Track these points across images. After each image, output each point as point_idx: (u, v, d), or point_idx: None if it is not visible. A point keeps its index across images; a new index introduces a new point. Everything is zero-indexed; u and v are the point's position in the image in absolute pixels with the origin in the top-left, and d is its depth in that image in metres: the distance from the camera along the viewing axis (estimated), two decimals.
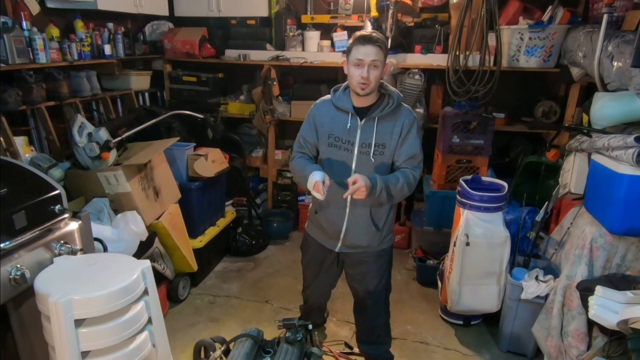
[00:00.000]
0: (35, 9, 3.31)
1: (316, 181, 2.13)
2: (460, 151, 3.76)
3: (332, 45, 4.33)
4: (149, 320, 1.91)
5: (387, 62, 2.22)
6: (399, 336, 3.14)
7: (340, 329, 3.22)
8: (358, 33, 2.17)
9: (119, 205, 2.93)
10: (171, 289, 3.38)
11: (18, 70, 3.04)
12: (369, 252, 2.45)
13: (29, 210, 1.93)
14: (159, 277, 3.20)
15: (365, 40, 2.10)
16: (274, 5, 4.41)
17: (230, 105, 4.67)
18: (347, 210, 2.35)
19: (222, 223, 4.05)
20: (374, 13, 4.01)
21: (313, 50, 4.37)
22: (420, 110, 4.00)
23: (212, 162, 3.67)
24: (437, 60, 4.00)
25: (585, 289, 2.33)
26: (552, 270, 2.88)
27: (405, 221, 4.38)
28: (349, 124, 2.25)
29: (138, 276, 1.83)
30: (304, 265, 2.74)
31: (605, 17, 2.65)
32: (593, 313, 2.12)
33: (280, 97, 4.49)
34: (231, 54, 4.55)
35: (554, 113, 3.94)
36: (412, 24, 4.17)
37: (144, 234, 2.86)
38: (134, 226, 2.78)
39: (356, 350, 2.86)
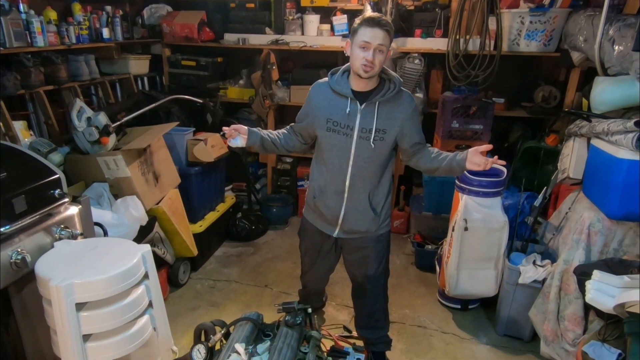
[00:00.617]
0: None
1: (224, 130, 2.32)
2: (459, 136, 3.76)
3: (332, 29, 4.28)
4: (150, 304, 1.93)
5: (391, 48, 2.19)
6: (397, 320, 3.16)
7: (339, 313, 3.24)
8: (366, 14, 2.12)
9: (118, 190, 2.93)
10: (171, 273, 3.40)
11: (16, 54, 3.01)
12: (367, 237, 2.44)
13: (28, 194, 1.93)
14: (160, 262, 3.21)
15: (374, 22, 2.06)
16: None
17: (229, 89, 4.64)
18: (346, 195, 2.34)
19: (221, 208, 4.06)
20: None
21: (312, 34, 4.33)
22: (419, 94, 3.98)
23: (211, 147, 3.66)
24: (437, 44, 3.96)
25: (583, 274, 2.35)
26: (550, 255, 2.89)
27: (404, 206, 4.38)
28: (348, 109, 2.21)
29: (138, 260, 1.84)
30: (302, 251, 2.74)
31: (606, 0, 2.62)
32: (590, 297, 2.14)
33: (279, 82, 4.47)
34: (230, 38, 4.50)
35: (553, 98, 3.92)
36: (412, 8, 4.12)
37: (144, 219, 2.86)
38: (134, 211, 2.78)
39: (354, 333, 2.88)
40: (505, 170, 2.98)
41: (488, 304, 3.24)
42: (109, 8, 3.93)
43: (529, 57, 3.82)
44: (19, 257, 1.81)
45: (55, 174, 2.11)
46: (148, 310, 1.92)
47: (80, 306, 1.67)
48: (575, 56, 3.29)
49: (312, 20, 4.31)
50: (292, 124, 2.53)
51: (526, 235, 3.09)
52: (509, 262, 2.89)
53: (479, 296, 3.14)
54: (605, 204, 2.51)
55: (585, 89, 2.95)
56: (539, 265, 2.78)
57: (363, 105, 2.21)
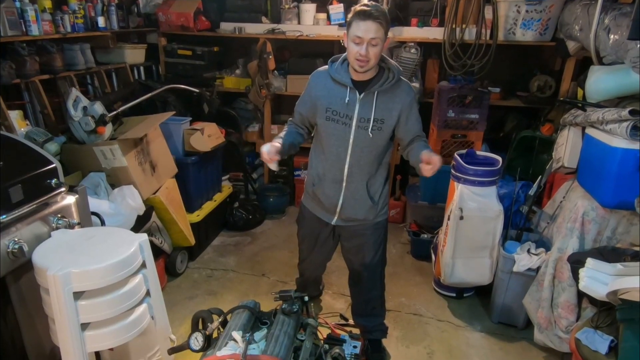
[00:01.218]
0: None
1: (262, 152, 2.18)
2: (455, 126, 3.75)
3: (328, 18, 4.25)
4: (147, 293, 1.93)
5: (389, 38, 2.15)
6: (393, 308, 3.18)
7: (335, 301, 3.25)
8: (358, 7, 2.07)
9: (115, 179, 2.92)
10: (169, 262, 3.40)
11: (10, 42, 2.97)
12: (365, 225, 2.45)
13: (25, 184, 1.93)
14: (157, 251, 3.21)
15: (365, 15, 2.01)
16: None
17: (226, 79, 4.61)
18: (344, 184, 2.34)
19: (219, 198, 4.05)
20: None
21: (309, 23, 4.30)
22: (416, 84, 3.96)
23: (208, 137, 3.64)
24: (434, 33, 3.94)
25: (576, 262, 2.36)
26: (544, 244, 2.91)
27: (400, 195, 4.39)
28: (347, 98, 2.20)
29: (136, 249, 1.84)
30: (300, 239, 2.74)
31: None
32: (583, 285, 2.15)
33: (276, 71, 4.44)
34: (226, 27, 4.46)
35: (549, 87, 3.91)
36: None
37: (141, 208, 2.86)
38: (131, 200, 2.77)
39: (351, 322, 2.90)
40: (500, 159, 2.99)
41: (483, 292, 3.26)
42: None
43: (524, 47, 3.80)
44: (16, 246, 1.80)
45: (52, 163, 2.10)
46: (146, 299, 1.92)
47: (77, 295, 1.68)
48: (571, 45, 3.28)
49: (309, 9, 4.27)
50: (291, 119, 2.50)
51: (521, 224, 3.10)
52: (504, 251, 2.90)
53: (474, 284, 3.15)
54: (599, 192, 2.52)
55: (581, 78, 2.94)
56: (534, 254, 2.80)
57: (362, 95, 2.19)
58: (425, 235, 3.79)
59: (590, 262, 2.18)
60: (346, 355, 1.91)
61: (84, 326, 1.71)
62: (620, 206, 2.44)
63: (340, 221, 2.46)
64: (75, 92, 3.00)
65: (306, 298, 2.04)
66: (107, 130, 2.97)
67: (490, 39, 3.52)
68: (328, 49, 4.49)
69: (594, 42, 2.67)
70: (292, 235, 4.12)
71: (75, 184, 2.28)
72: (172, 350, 1.96)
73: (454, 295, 3.30)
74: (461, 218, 2.88)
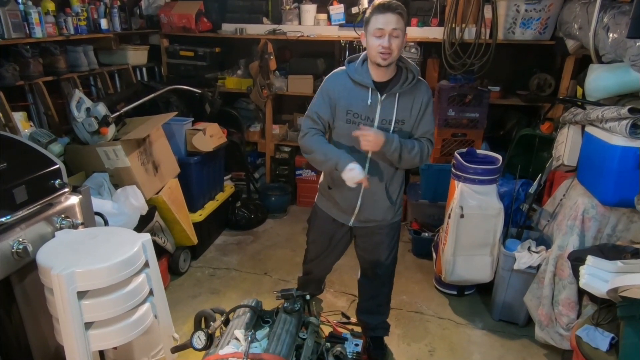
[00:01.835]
0: None
1: (361, 178, 2.09)
2: (455, 124, 3.75)
3: (329, 18, 4.24)
4: (151, 292, 1.93)
5: (406, 32, 2.12)
6: (394, 306, 3.16)
7: (337, 300, 3.25)
8: (376, 2, 2.04)
9: (118, 179, 2.92)
10: (172, 262, 3.40)
11: (14, 45, 2.98)
12: (382, 225, 2.43)
13: (29, 184, 1.92)
14: (160, 251, 3.21)
15: (385, 8, 1.99)
16: None
17: (227, 79, 4.60)
18: (363, 185, 2.22)
19: (221, 197, 4.05)
20: None
21: (310, 24, 4.29)
22: None
23: (210, 137, 3.64)
24: (434, 33, 3.93)
25: (577, 259, 2.35)
26: (545, 241, 2.90)
27: None
28: (369, 100, 2.14)
29: (139, 249, 1.83)
30: (311, 239, 2.70)
31: None
32: (584, 282, 2.14)
33: (277, 72, 4.43)
34: (228, 28, 4.47)
35: (548, 86, 3.90)
36: None
37: (144, 208, 2.86)
38: (134, 200, 2.77)
39: (353, 320, 2.89)
40: (500, 157, 2.98)
41: (484, 290, 3.25)
42: None
43: (524, 46, 3.79)
44: (21, 246, 1.80)
45: (56, 164, 2.09)
46: (149, 298, 1.92)
47: (81, 294, 1.67)
48: (570, 44, 3.27)
49: (309, 9, 4.27)
50: (311, 127, 2.26)
51: (521, 222, 3.09)
52: (505, 249, 2.89)
53: (475, 282, 3.15)
54: (599, 190, 2.51)
55: (580, 76, 2.93)
56: (534, 251, 2.79)
57: (383, 97, 2.14)
58: (426, 234, 3.78)
59: (590, 259, 2.17)
60: (348, 353, 1.91)
61: (88, 325, 1.71)
62: (620, 204, 2.42)
63: (358, 222, 2.43)
64: (78, 94, 3.00)
65: (308, 297, 2.04)
66: (110, 131, 2.97)
67: (489, 38, 3.51)
68: (329, 49, 4.49)
69: (593, 40, 2.66)
70: (294, 234, 4.14)
71: (79, 185, 2.28)
72: (175, 349, 1.96)
73: (455, 293, 3.29)
74: (462, 216, 2.87)
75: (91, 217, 2.27)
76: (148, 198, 2.98)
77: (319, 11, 4.31)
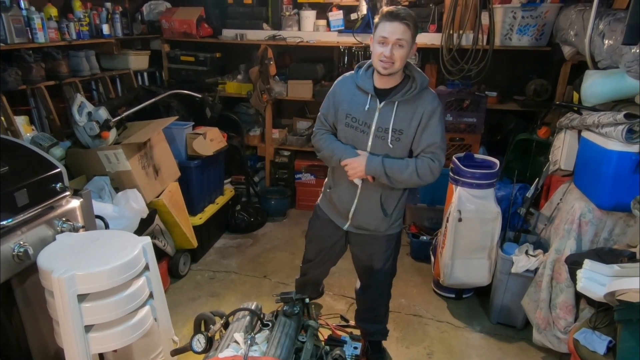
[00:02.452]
0: None
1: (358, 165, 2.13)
2: (453, 129, 3.74)
3: (328, 24, 4.25)
4: (151, 295, 1.92)
5: (416, 43, 2.07)
6: (393, 309, 3.15)
7: (336, 303, 3.24)
8: (385, 8, 2.00)
9: (119, 183, 2.91)
10: (172, 264, 3.38)
11: (17, 49, 2.98)
12: (376, 235, 2.38)
13: (30, 188, 1.92)
14: (160, 254, 3.20)
15: (392, 16, 1.94)
16: None
17: (228, 84, 4.60)
18: (358, 191, 2.26)
19: (221, 201, 4.04)
20: None
21: (309, 29, 4.30)
22: None
23: (210, 141, 3.64)
24: (431, 39, 3.94)
25: (574, 263, 2.34)
26: (542, 245, 2.89)
27: None
28: (367, 106, 2.11)
29: (139, 252, 1.83)
30: (308, 239, 2.68)
31: None
32: (581, 286, 2.13)
33: (277, 77, 4.44)
34: (228, 34, 4.47)
35: (545, 91, 3.91)
36: (406, 3, 4.08)
37: (144, 212, 2.84)
38: (134, 204, 2.76)
39: (352, 323, 2.88)
40: (498, 162, 2.98)
41: (482, 293, 3.24)
42: (108, 4, 3.88)
43: (521, 51, 3.80)
44: (22, 249, 1.79)
45: (57, 167, 2.09)
46: (149, 301, 1.91)
47: (82, 297, 1.67)
48: (566, 50, 3.27)
49: (309, 15, 4.28)
50: (319, 129, 2.34)
51: (519, 226, 3.08)
52: (502, 252, 2.88)
53: (473, 285, 3.14)
54: (595, 194, 2.50)
55: (576, 82, 2.93)
56: (532, 255, 2.78)
57: (382, 104, 2.10)
58: (425, 237, 3.78)
59: (587, 263, 2.16)
60: (347, 357, 1.90)
61: (88, 328, 1.70)
62: (616, 208, 2.42)
63: (352, 228, 2.40)
64: (80, 98, 2.99)
65: (307, 300, 2.03)
66: (111, 135, 2.97)
67: (487, 44, 3.52)
68: (328, 55, 4.49)
69: (589, 47, 2.66)
70: (294, 237, 4.12)
71: (80, 188, 2.28)
72: (175, 352, 1.95)
73: (453, 296, 3.28)
74: (460, 220, 2.86)
75: (92, 220, 2.26)
76: (148, 201, 2.97)
77: (318, 17, 4.31)
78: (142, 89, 4.01)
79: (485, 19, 3.48)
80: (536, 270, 2.74)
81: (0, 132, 2.78)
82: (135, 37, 4.28)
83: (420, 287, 3.46)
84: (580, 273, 2.16)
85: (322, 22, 4.27)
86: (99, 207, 2.48)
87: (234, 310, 1.96)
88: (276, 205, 4.55)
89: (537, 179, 3.02)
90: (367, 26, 3.96)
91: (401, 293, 3.35)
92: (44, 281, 1.70)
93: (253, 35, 4.38)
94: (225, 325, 1.92)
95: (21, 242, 1.81)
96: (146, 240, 1.91)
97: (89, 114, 2.95)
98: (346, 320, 2.99)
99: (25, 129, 2.95)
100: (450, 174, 2.99)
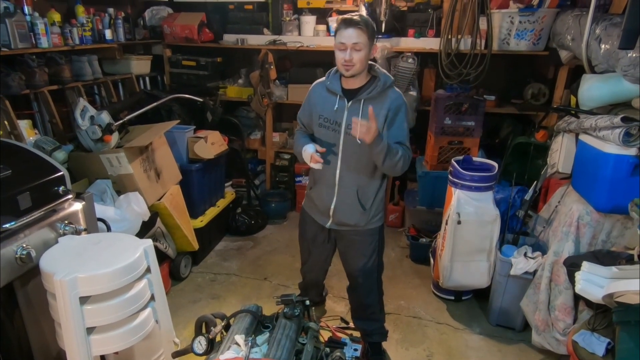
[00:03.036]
0: None
1: (311, 154, 2.22)
2: (452, 132, 3.74)
3: (328, 29, 4.25)
4: (152, 297, 1.91)
5: (377, 44, 2.21)
6: (392, 311, 3.15)
7: (336, 305, 3.23)
8: (341, 17, 2.14)
9: (121, 186, 2.91)
10: (173, 267, 3.38)
11: (20, 54, 2.98)
12: (357, 230, 2.44)
13: (33, 191, 1.92)
14: (161, 256, 3.19)
15: (347, 23, 2.07)
16: None
17: (228, 88, 4.61)
18: (336, 188, 2.36)
19: (222, 203, 4.03)
20: None
21: (309, 34, 4.30)
22: (413, 92, 3.96)
23: (211, 144, 3.64)
24: (430, 43, 3.94)
25: (572, 265, 2.34)
26: (540, 247, 2.88)
27: (398, 201, 4.37)
28: (336, 106, 2.24)
29: (141, 255, 1.82)
30: (300, 241, 2.75)
31: (593, 0, 2.60)
32: (579, 288, 2.12)
33: (277, 81, 4.44)
34: (229, 39, 4.48)
35: (542, 95, 3.90)
36: (405, 8, 4.10)
37: (146, 214, 2.84)
38: (136, 206, 2.76)
39: (352, 325, 2.86)
40: (496, 165, 2.98)
41: (481, 295, 3.23)
42: (111, 10, 3.89)
43: (518, 56, 3.80)
44: (24, 252, 1.79)
45: (60, 171, 2.09)
46: (150, 304, 1.90)
47: (84, 300, 1.66)
48: (564, 54, 3.27)
49: (309, 21, 4.28)
50: (297, 130, 2.51)
51: (517, 228, 3.08)
52: (501, 254, 2.88)
53: (472, 287, 3.13)
54: (593, 197, 2.50)
55: (573, 86, 2.93)
56: (530, 257, 2.77)
57: (350, 103, 2.21)
58: (424, 239, 3.77)
59: (585, 265, 2.15)
60: (347, 358, 1.89)
61: (90, 330, 1.69)
62: (614, 210, 2.41)
63: (335, 225, 2.47)
64: (82, 102, 2.99)
65: (307, 302, 2.02)
66: (114, 138, 2.96)
67: (485, 49, 3.51)
68: (328, 59, 4.46)
69: (586, 51, 2.67)
70: (294, 240, 4.07)
71: (82, 191, 2.27)
72: (176, 354, 1.94)
73: (453, 298, 3.27)
74: (459, 222, 2.86)
75: (94, 223, 2.25)
76: (150, 204, 2.97)
77: (318, 22, 4.32)
78: (144, 93, 4.01)
79: (483, 24, 3.48)
80: (535, 272, 2.73)
81: (4, 135, 2.78)
82: (137, 42, 4.29)
83: (420, 289, 3.45)
84: (578, 275, 2.15)
85: (322, 27, 4.28)
86: (101, 210, 2.48)
87: (235, 312, 1.95)
88: (276, 208, 4.55)
89: (535, 182, 3.01)
90: None
91: (401, 295, 3.34)
92: (47, 283, 1.69)
93: (254, 40, 4.39)
94: (226, 327, 1.91)
95: (24, 245, 1.80)
96: (148, 243, 1.90)
97: (92, 118, 2.94)
98: (346, 322, 2.96)
99: (28, 133, 2.95)
100: (449, 177, 2.98)
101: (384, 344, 2.75)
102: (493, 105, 3.99)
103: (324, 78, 2.35)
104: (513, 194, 3.15)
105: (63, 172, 2.09)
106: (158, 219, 3.10)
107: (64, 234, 1.99)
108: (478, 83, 3.60)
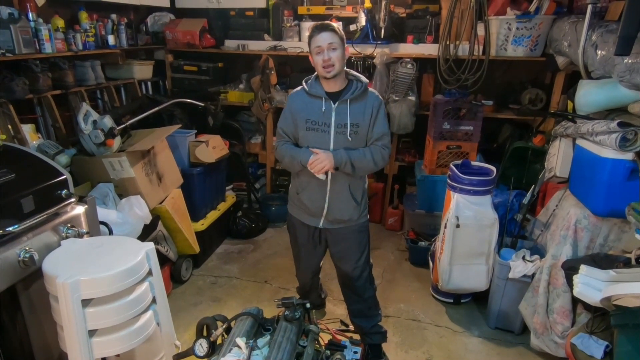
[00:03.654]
0: (40, 0, 3.24)
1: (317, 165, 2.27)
2: (450, 137, 3.74)
3: None
4: (153, 300, 1.90)
5: (347, 47, 2.34)
6: (392, 314, 3.14)
7: (336, 308, 3.22)
8: (311, 25, 2.33)
9: (123, 190, 2.90)
10: (174, 270, 3.37)
11: (25, 60, 2.99)
12: (350, 227, 2.48)
13: (36, 194, 1.91)
14: (163, 259, 3.18)
15: (318, 28, 2.22)
16: None
17: (230, 93, 4.61)
18: (328, 187, 2.39)
19: (222, 207, 4.03)
20: (367, 4, 3.94)
21: None
22: (412, 97, 3.96)
23: (212, 149, 3.63)
24: (429, 49, 3.95)
25: (570, 268, 2.33)
26: (538, 251, 2.88)
27: (398, 204, 4.36)
28: (323, 108, 2.29)
29: (142, 258, 1.81)
30: (292, 246, 2.77)
31: (589, 7, 2.61)
32: (577, 291, 2.12)
33: (277, 86, 4.44)
34: (230, 44, 4.48)
35: (540, 100, 3.90)
36: (404, 15, 4.11)
37: (147, 218, 2.84)
38: (138, 210, 2.75)
39: (351, 327, 2.85)
40: (494, 169, 2.97)
41: (480, 298, 3.22)
42: (114, 16, 3.90)
43: (516, 62, 3.80)
44: (27, 255, 1.79)
45: (62, 175, 2.08)
46: (152, 306, 1.89)
47: (86, 302, 1.65)
48: (560, 60, 3.28)
49: (309, 27, 4.27)
50: (279, 140, 2.50)
51: (515, 232, 3.07)
52: (500, 258, 2.87)
53: (471, 290, 3.12)
54: (590, 201, 2.50)
55: (570, 91, 2.93)
56: (528, 261, 2.77)
57: (336, 104, 2.29)
58: (423, 243, 3.76)
59: (583, 268, 2.15)
60: None
61: (92, 333, 1.69)
62: (611, 214, 2.41)
63: (327, 223, 2.49)
64: (85, 107, 2.99)
65: (308, 305, 2.01)
66: (116, 142, 2.96)
67: (482, 55, 3.52)
68: None
69: (582, 57, 2.67)
70: None
71: (85, 195, 2.27)
72: (178, 357, 1.93)
73: (452, 301, 3.26)
74: (457, 226, 2.85)
75: (96, 227, 2.25)
76: (152, 208, 2.96)
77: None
78: (146, 98, 4.02)
79: (481, 30, 3.49)
80: (533, 275, 2.72)
81: (8, 140, 2.77)
82: (139, 47, 4.29)
83: (419, 292, 3.44)
84: (576, 278, 2.15)
85: None
86: (103, 213, 2.47)
87: (236, 315, 1.95)
88: (277, 212, 4.54)
89: (533, 186, 3.01)
90: (365, 37, 3.97)
91: (400, 298, 3.33)
92: (49, 286, 1.69)
93: (254, 46, 4.40)
94: (227, 330, 1.90)
95: (27, 248, 1.80)
96: (149, 246, 1.90)
97: (94, 122, 2.94)
98: (346, 325, 2.96)
99: (31, 137, 2.94)
100: (448, 180, 2.98)
101: (384, 347, 2.74)
102: (491, 110, 3.99)
103: (299, 88, 2.42)
104: (511, 197, 3.15)
105: (66, 175, 2.09)
106: (159, 222, 3.10)
107: (67, 237, 1.98)
108: (476, 88, 3.60)
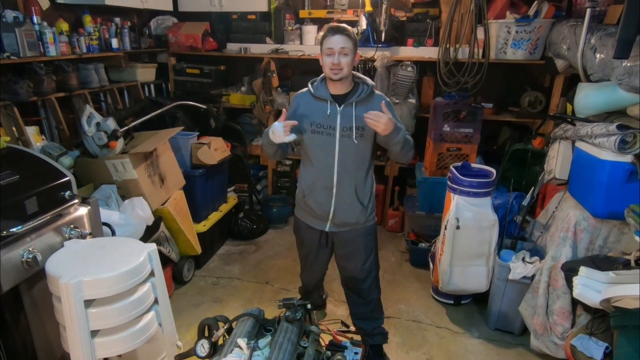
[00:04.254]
0: (45, 4, 3.25)
1: (275, 126, 2.18)
2: (450, 139, 3.74)
3: None
4: (155, 301, 1.90)
5: (359, 53, 2.28)
6: (392, 315, 3.13)
7: (337, 308, 3.21)
8: (327, 25, 2.23)
9: (126, 191, 2.90)
10: (176, 271, 3.36)
11: (29, 62, 2.99)
12: (357, 229, 2.45)
13: (40, 196, 1.91)
14: (165, 260, 3.17)
15: (334, 30, 2.17)
16: (273, 1, 4.34)
17: (231, 96, 4.61)
18: (334, 190, 2.35)
19: (224, 208, 4.02)
20: (368, 8, 3.94)
21: (310, 43, 4.31)
22: (412, 100, 3.96)
23: (214, 150, 3.63)
24: (429, 52, 3.95)
25: (570, 270, 2.32)
26: (538, 252, 2.86)
27: (398, 206, 4.36)
28: (328, 111, 2.26)
29: (145, 259, 1.81)
30: (298, 248, 2.74)
31: (588, 11, 2.61)
32: (577, 292, 2.11)
33: (279, 88, 4.44)
34: (232, 47, 4.49)
35: (539, 103, 3.90)
36: (404, 19, 4.12)
37: (150, 219, 2.83)
38: (140, 211, 2.75)
39: (352, 328, 2.85)
40: (494, 171, 2.97)
41: (480, 299, 3.21)
42: (117, 19, 3.91)
43: (515, 65, 3.80)
44: (30, 256, 1.78)
45: (66, 176, 2.08)
46: (154, 307, 1.89)
47: (88, 303, 1.65)
48: (559, 63, 3.27)
49: (310, 30, 4.29)
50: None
51: (515, 233, 3.06)
52: (499, 259, 2.86)
53: (471, 292, 3.11)
54: (590, 203, 2.49)
55: (569, 94, 2.93)
56: (528, 262, 2.76)
57: (342, 107, 2.25)
58: (423, 244, 3.75)
59: (583, 270, 2.14)
60: None
61: (94, 333, 1.69)
62: (611, 216, 2.40)
63: (334, 227, 2.45)
64: (89, 109, 2.99)
65: (309, 306, 2.01)
66: (119, 144, 2.96)
67: (482, 58, 3.52)
68: None
69: (581, 60, 2.67)
70: (295, 244, 4.09)
71: (88, 196, 2.27)
72: (179, 357, 1.93)
73: (452, 302, 3.25)
74: (458, 227, 2.84)
75: (99, 228, 2.25)
76: (154, 209, 2.96)
77: (319, 32, 4.32)
78: (148, 100, 4.02)
79: (480, 33, 3.49)
80: (533, 277, 2.71)
81: (12, 141, 2.77)
82: (142, 50, 4.30)
83: (419, 293, 3.43)
84: (576, 280, 2.14)
85: None
86: (106, 214, 2.47)
87: (237, 315, 1.94)
88: (278, 213, 4.54)
89: (533, 188, 3.00)
90: (366, 40, 3.97)
91: (400, 299, 3.33)
92: (52, 287, 1.69)
93: (256, 49, 4.41)
94: (229, 331, 1.90)
95: (30, 249, 1.80)
96: (152, 247, 1.90)
97: (98, 124, 2.94)
98: (347, 326, 2.96)
99: (35, 139, 2.94)
100: (448, 182, 2.97)
101: (385, 347, 2.73)
102: (491, 113, 3.99)
103: (304, 89, 2.39)
104: (511, 199, 3.14)
105: (69, 177, 2.08)
106: (162, 224, 3.10)
107: (70, 238, 1.98)
108: (476, 91, 3.60)
